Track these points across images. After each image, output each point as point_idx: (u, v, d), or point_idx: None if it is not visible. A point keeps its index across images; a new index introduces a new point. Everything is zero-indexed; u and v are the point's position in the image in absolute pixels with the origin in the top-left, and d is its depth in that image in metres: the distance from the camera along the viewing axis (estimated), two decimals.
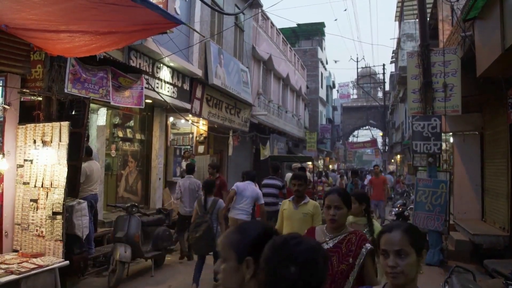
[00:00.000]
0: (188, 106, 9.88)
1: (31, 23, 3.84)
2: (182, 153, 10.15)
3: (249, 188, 6.19)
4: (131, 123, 9.25)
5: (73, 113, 5.18)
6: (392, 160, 31.00)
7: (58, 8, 3.41)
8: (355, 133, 48.68)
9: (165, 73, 8.88)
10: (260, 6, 15.37)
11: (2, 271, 3.92)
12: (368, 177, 14.61)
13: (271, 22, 18.03)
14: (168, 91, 9.01)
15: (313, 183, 14.23)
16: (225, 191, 7.62)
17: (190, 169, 7.57)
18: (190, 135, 11.17)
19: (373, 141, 37.11)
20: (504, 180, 7.00)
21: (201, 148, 11.40)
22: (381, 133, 37.06)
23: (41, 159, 4.75)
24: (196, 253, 5.65)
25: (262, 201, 6.27)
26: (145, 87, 7.33)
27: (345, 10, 24.28)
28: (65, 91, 5.30)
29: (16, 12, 3.61)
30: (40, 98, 5.12)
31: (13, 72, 4.89)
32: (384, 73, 31.88)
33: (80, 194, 5.88)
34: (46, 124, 4.82)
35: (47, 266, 4.22)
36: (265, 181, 7.63)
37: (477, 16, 6.13)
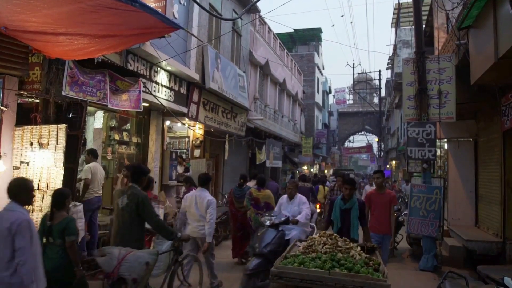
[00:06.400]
0: (184, 110, 9.90)
1: (30, 25, 3.86)
2: (177, 158, 10.18)
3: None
4: (128, 126, 9.24)
5: (70, 115, 5.21)
6: (388, 166, 31.11)
7: (58, 11, 3.44)
8: (351, 138, 48.99)
9: (162, 77, 8.91)
10: (258, 11, 15.48)
11: None
12: (367, 187, 11.24)
13: (269, 27, 18.13)
14: (165, 95, 9.03)
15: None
16: None
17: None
18: (187, 139, 11.20)
19: (369, 147, 37.35)
20: (498, 187, 7.07)
21: (197, 152, 11.42)
22: (376, 139, 37.26)
23: (37, 161, 4.76)
24: None
25: None
26: (142, 91, 7.35)
27: (342, 16, 24.60)
28: (63, 93, 5.30)
29: (16, 14, 3.62)
30: (38, 101, 5.14)
31: (11, 74, 4.90)
32: (380, 79, 32.16)
33: (86, 196, 5.92)
34: (43, 126, 4.84)
35: None
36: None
37: (471, 25, 6.22)
